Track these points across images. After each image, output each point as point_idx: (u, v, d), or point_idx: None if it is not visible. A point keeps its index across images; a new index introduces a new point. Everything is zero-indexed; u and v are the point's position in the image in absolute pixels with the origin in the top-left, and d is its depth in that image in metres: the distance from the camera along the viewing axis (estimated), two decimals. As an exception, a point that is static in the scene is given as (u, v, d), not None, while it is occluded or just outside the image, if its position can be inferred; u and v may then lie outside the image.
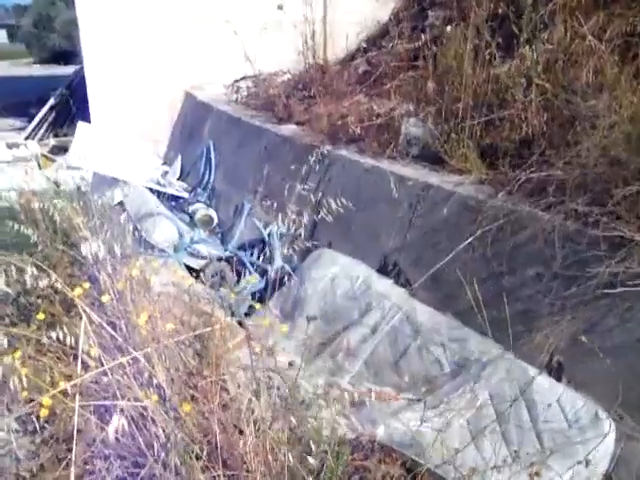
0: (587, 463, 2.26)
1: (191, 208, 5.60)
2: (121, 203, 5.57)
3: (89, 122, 7.23)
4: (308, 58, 6.12)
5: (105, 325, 1.98)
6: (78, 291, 2.07)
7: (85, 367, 2.06)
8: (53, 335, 1.90)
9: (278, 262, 4.39)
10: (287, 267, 4.29)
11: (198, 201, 5.71)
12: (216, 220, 5.48)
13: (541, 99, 3.47)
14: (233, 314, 4.00)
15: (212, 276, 4.63)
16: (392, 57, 6.37)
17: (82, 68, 8.92)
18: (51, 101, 8.24)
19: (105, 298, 2.09)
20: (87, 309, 1.99)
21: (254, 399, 2.21)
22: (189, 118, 7.11)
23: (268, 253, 4.54)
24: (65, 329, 1.91)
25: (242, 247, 4.83)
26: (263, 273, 4.51)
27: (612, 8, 3.74)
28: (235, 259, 4.62)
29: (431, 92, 4.24)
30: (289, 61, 6.89)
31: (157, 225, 4.67)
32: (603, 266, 2.60)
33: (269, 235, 4.56)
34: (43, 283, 1.98)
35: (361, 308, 3.50)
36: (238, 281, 4.54)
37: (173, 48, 7.35)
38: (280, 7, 6.15)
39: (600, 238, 2.68)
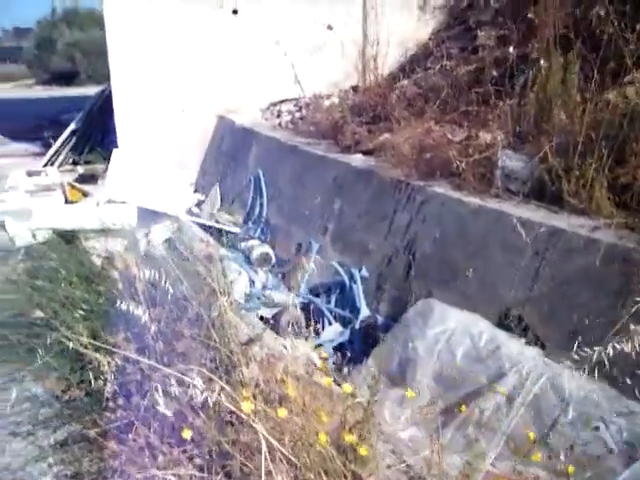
0: None
1: (244, 245, 5.14)
2: (168, 241, 5.10)
3: (114, 148, 6.77)
4: (366, 79, 5.71)
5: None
6: (248, 406, 1.61)
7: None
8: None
9: (365, 311, 3.95)
10: (378, 318, 3.85)
11: (251, 237, 5.24)
12: (274, 259, 5.02)
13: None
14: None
15: (287, 325, 4.17)
16: (447, 79, 6.02)
17: (103, 91, 8.45)
18: (72, 125, 7.73)
19: (282, 413, 1.63)
20: (265, 433, 1.54)
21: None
22: (226, 144, 6.66)
23: (349, 300, 4.11)
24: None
25: (314, 292, 4.37)
26: (344, 322, 4.06)
27: None
28: (312, 306, 4.16)
29: (533, 122, 3.86)
30: (334, 82, 6.51)
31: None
32: None
33: (350, 279, 4.11)
34: (213, 399, 1.52)
35: (490, 372, 3.06)
36: (316, 332, 4.09)
37: (204, 70, 6.95)
38: (330, 27, 5.79)
39: None
